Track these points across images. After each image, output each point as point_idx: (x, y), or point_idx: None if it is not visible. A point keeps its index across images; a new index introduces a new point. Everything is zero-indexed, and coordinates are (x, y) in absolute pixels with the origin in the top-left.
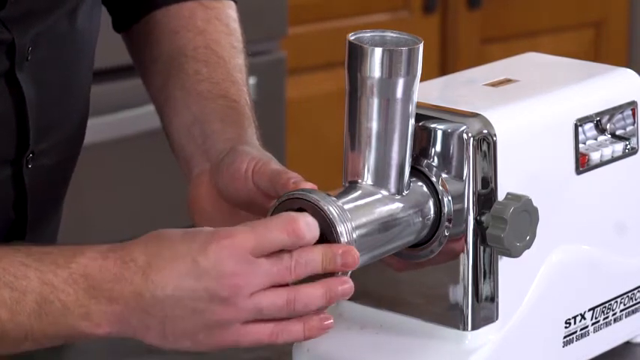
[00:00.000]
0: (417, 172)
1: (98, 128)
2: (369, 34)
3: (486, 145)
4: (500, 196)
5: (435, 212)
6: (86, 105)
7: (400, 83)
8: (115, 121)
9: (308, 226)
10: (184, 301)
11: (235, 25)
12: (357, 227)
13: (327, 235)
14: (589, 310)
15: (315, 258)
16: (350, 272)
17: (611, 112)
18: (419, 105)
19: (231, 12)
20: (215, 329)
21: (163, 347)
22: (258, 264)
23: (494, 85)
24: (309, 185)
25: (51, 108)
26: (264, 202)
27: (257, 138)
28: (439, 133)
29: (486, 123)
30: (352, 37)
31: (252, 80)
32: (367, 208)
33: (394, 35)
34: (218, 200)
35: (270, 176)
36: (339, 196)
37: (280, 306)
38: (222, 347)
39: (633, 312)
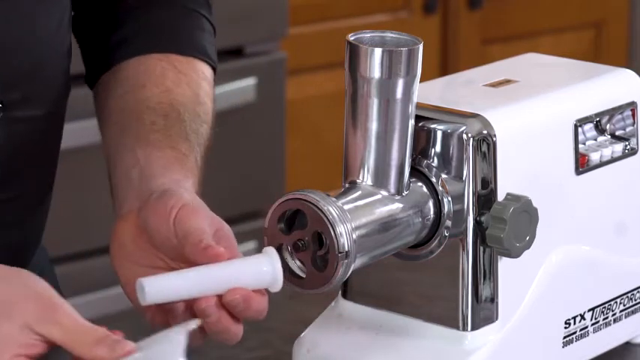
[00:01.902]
0: (416, 173)
1: (94, 130)
2: (368, 35)
3: (486, 145)
4: (500, 196)
5: (434, 212)
6: (64, 59)
7: (400, 84)
8: None
9: None
10: None
11: (206, 98)
12: (357, 228)
13: (327, 235)
14: (589, 310)
15: None
16: None
17: (611, 112)
18: (419, 105)
19: (205, 84)
20: None
21: None
22: None
23: (494, 85)
24: (220, 251)
25: (16, 54)
26: (178, 247)
27: (197, 192)
28: (439, 134)
29: (486, 123)
30: (352, 38)
31: (252, 80)
32: (367, 209)
33: (394, 36)
34: (140, 237)
35: (186, 230)
36: (338, 197)
37: None
38: None
39: (633, 312)
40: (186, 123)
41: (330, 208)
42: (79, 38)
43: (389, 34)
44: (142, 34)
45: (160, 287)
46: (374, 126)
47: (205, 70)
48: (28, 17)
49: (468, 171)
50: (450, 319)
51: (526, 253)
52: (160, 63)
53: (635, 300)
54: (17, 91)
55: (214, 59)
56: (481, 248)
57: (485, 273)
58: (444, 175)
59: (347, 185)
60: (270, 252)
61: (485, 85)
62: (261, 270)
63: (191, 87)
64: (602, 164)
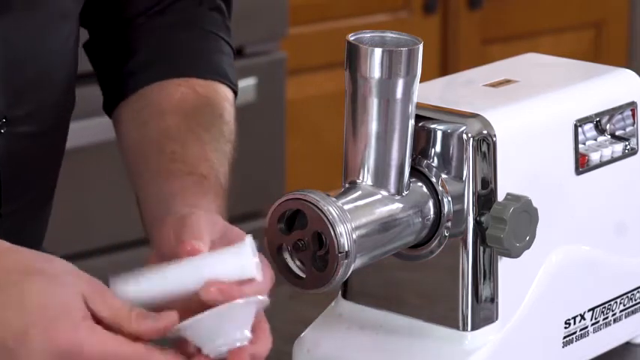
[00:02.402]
0: (416, 173)
1: (94, 130)
2: (368, 35)
3: (486, 145)
4: (500, 196)
5: (434, 213)
6: (69, 74)
7: (400, 84)
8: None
9: None
10: None
11: (230, 118)
12: (357, 228)
13: (327, 235)
14: (589, 310)
15: None
16: None
17: (611, 112)
18: (419, 105)
19: (228, 105)
20: None
21: None
22: None
23: (494, 85)
24: (197, 245)
25: (23, 70)
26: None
27: (222, 209)
28: (439, 134)
29: (486, 123)
30: (352, 38)
31: (252, 80)
32: (367, 209)
33: (394, 36)
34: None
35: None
36: (338, 197)
37: None
38: None
39: (633, 312)
40: (207, 145)
41: (330, 208)
42: (96, 66)
43: (389, 34)
44: (161, 60)
45: (131, 290)
46: (374, 126)
47: (227, 93)
48: (39, 31)
49: (468, 171)
50: (450, 319)
51: (526, 253)
52: (179, 88)
53: (635, 300)
54: (22, 106)
55: (235, 83)
56: (481, 248)
57: (485, 273)
58: (444, 175)
59: (347, 185)
60: (247, 242)
61: (486, 85)
62: (235, 262)
63: (213, 108)
64: (602, 164)
